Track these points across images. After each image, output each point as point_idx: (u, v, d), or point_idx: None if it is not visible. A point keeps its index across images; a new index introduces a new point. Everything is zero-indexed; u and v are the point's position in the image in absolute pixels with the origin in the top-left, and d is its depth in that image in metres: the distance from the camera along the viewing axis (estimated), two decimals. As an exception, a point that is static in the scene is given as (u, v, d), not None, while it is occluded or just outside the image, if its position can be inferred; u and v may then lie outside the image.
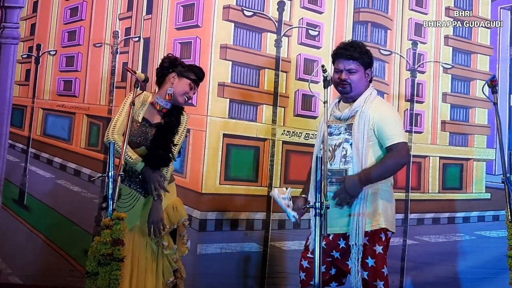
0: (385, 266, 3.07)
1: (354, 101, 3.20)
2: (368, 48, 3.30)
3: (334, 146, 3.14)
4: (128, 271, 3.26)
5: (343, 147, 3.13)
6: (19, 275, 4.49)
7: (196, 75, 3.46)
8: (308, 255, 3.21)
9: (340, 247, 3.12)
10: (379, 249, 3.07)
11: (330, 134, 3.17)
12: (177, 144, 3.40)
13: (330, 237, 3.11)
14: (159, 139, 3.34)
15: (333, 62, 3.28)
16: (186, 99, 3.44)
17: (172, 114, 3.42)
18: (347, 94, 3.22)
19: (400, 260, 4.29)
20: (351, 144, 3.11)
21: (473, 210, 4.36)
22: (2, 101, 4.77)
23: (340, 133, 3.16)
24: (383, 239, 3.09)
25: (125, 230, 3.12)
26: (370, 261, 3.04)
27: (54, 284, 4.41)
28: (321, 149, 3.12)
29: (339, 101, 3.30)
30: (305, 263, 3.22)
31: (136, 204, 3.36)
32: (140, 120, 3.39)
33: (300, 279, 3.23)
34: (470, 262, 4.24)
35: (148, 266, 3.33)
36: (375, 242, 3.07)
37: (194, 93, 3.51)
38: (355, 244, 3.04)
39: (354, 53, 3.18)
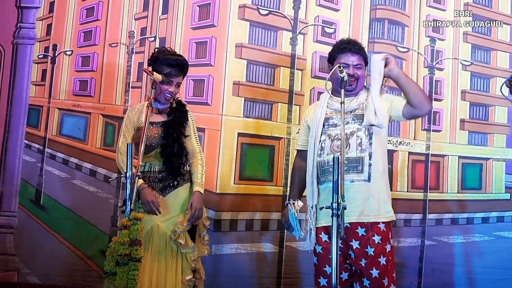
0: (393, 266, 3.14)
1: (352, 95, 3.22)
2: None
3: (346, 135, 3.12)
4: (147, 270, 3.30)
5: (357, 136, 3.14)
6: (37, 275, 4.53)
7: (172, 65, 3.38)
8: (322, 239, 3.17)
9: (354, 248, 3.09)
10: (388, 247, 3.11)
11: (334, 125, 3.18)
12: (189, 135, 3.47)
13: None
14: (169, 135, 3.40)
15: (334, 59, 3.26)
16: (170, 97, 3.41)
17: (178, 111, 3.48)
18: (352, 91, 3.20)
19: (418, 261, 4.25)
20: (364, 133, 3.14)
21: (492, 211, 4.29)
22: (18, 102, 4.80)
23: (348, 123, 3.15)
24: (390, 236, 3.14)
25: (145, 230, 3.20)
26: (382, 260, 3.06)
27: (72, 284, 4.44)
28: (338, 146, 3.12)
29: (330, 96, 3.27)
30: (318, 248, 3.19)
31: None
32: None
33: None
34: (489, 263, 4.19)
35: (167, 265, 3.36)
36: (386, 241, 3.09)
37: (178, 86, 3.43)
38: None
39: (360, 48, 3.23)
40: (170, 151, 3.40)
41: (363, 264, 3.07)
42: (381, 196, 3.13)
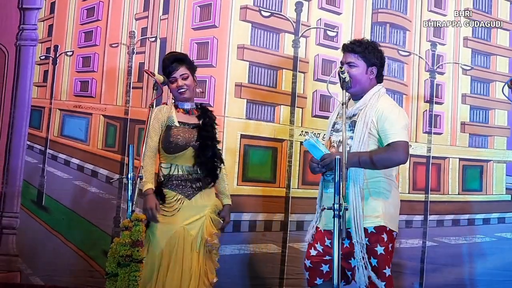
0: (387, 267, 3.06)
1: (360, 98, 3.18)
2: (381, 48, 3.26)
3: (338, 142, 3.14)
4: (172, 271, 3.33)
5: (347, 143, 3.08)
6: (39, 276, 4.54)
7: (168, 64, 3.46)
8: (310, 253, 3.20)
9: (344, 246, 3.03)
10: (380, 249, 3.05)
11: (337, 130, 3.21)
12: (220, 141, 3.61)
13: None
14: (207, 137, 3.47)
15: None
16: (182, 90, 3.47)
17: (206, 115, 3.55)
18: (347, 90, 3.13)
19: (420, 262, 4.28)
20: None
21: (493, 212, 4.33)
22: (21, 103, 4.79)
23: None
24: (385, 239, 3.07)
25: (169, 233, 3.29)
26: (373, 261, 3.05)
27: (75, 285, 4.45)
28: (330, 146, 3.18)
29: (349, 99, 3.25)
30: (307, 262, 3.22)
31: (182, 206, 3.41)
32: (178, 125, 3.44)
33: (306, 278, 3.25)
34: (490, 264, 4.23)
35: (193, 267, 3.37)
36: (376, 242, 3.05)
37: (186, 77, 3.47)
38: (357, 241, 3.03)
39: (356, 47, 3.17)
40: (209, 153, 3.46)
41: (352, 264, 3.07)
42: (369, 203, 3.07)
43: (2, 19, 4.82)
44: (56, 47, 4.86)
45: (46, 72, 4.85)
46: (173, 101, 3.58)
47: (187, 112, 3.50)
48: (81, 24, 4.87)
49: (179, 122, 3.46)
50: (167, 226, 3.34)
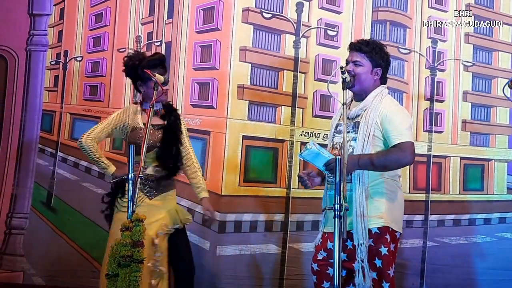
0: (390, 268, 3.04)
1: (363, 99, 3.15)
2: (386, 49, 3.22)
3: (341, 143, 3.08)
4: None
5: (350, 145, 3.07)
6: (42, 276, 4.63)
7: (157, 65, 3.46)
8: (318, 257, 3.20)
9: (348, 248, 3.06)
10: (384, 250, 3.02)
11: (339, 132, 3.17)
12: (184, 140, 3.55)
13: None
14: (169, 138, 3.46)
15: None
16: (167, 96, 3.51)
17: (172, 115, 3.54)
18: (350, 88, 3.13)
19: (420, 262, 4.23)
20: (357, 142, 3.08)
21: (494, 212, 4.25)
22: (32, 107, 4.92)
23: (348, 132, 3.09)
24: (388, 240, 3.04)
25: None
26: (378, 262, 3.02)
27: (76, 285, 4.51)
28: (332, 148, 3.17)
29: (351, 101, 3.25)
30: (315, 266, 3.21)
31: (141, 205, 3.40)
32: (142, 126, 3.48)
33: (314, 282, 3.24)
34: (490, 264, 4.16)
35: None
36: (380, 243, 3.02)
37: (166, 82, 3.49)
38: (361, 244, 3.01)
39: (364, 46, 3.16)
40: (169, 153, 3.46)
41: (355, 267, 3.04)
42: (372, 204, 3.04)
43: (13, 24, 4.94)
44: (66, 52, 4.99)
45: (56, 77, 4.98)
46: (139, 100, 3.62)
47: (155, 113, 3.49)
48: (90, 30, 4.99)
49: (143, 123, 3.47)
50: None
